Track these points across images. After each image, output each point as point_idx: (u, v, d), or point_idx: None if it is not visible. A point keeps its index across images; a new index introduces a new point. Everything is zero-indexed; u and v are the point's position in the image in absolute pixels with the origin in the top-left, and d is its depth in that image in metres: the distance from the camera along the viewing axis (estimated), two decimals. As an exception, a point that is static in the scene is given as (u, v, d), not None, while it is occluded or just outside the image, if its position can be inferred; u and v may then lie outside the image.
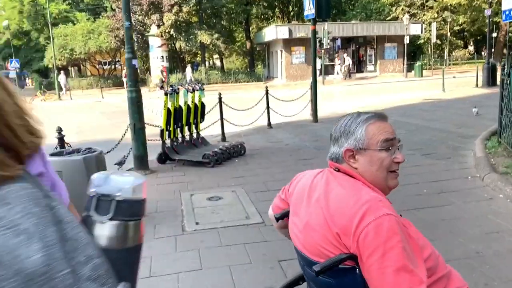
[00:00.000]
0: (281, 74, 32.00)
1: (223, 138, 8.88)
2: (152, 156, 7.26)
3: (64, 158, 4.19)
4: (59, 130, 4.78)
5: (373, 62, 32.35)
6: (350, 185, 1.57)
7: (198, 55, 38.81)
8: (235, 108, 9.91)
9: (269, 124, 10.47)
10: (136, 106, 6.47)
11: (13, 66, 30.98)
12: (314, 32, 11.21)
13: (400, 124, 9.92)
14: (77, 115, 17.40)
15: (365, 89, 22.20)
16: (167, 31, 29.59)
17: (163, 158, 7.09)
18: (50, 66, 33.86)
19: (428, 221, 4.17)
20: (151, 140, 7.25)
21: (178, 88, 7.04)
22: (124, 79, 29.73)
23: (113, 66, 37.71)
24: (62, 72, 30.16)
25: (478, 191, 4.98)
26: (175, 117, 6.98)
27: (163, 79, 26.93)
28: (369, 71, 32.17)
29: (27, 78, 52.19)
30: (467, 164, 6.12)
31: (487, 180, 5.20)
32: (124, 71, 31.05)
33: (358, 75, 31.15)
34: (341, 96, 19.18)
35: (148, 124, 6.96)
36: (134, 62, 6.45)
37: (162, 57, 30.07)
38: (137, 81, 6.59)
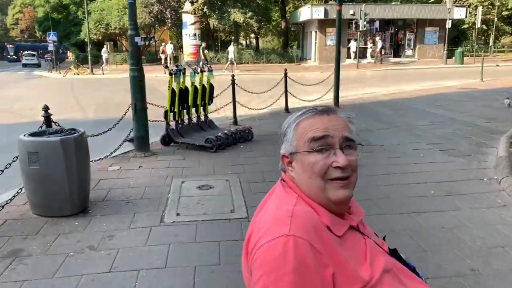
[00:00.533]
0: (314, 55, 31.25)
1: (235, 122, 8.59)
2: (157, 137, 7.09)
3: (41, 139, 4.03)
4: (46, 108, 4.61)
5: (411, 47, 31.04)
6: (279, 199, 1.27)
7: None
8: (248, 90, 9.58)
9: (286, 108, 10.08)
10: (138, 86, 6.26)
11: (51, 39, 31.63)
12: (340, 13, 10.62)
13: (425, 115, 9.33)
14: (102, 90, 17.52)
15: (399, 75, 21.28)
16: (200, 8, 29.28)
17: (167, 140, 6.89)
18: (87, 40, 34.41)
19: (426, 227, 3.76)
20: (156, 121, 7.06)
21: (184, 69, 6.78)
22: (162, 56, 29.68)
23: (147, 43, 37.81)
24: (104, 46, 30.49)
25: (492, 195, 4.49)
26: (180, 98, 6.74)
27: (203, 56, 26.56)
28: (407, 55, 30.92)
29: (68, 51, 53.57)
30: (487, 164, 5.58)
31: (504, 184, 4.68)
32: (161, 47, 31.02)
33: (395, 59, 30.01)
34: (372, 81, 18.43)
35: (150, 104, 6.75)
36: (137, 39, 6.20)
37: (195, 34, 29.80)
38: (140, 59, 6.34)
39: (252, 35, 49.45)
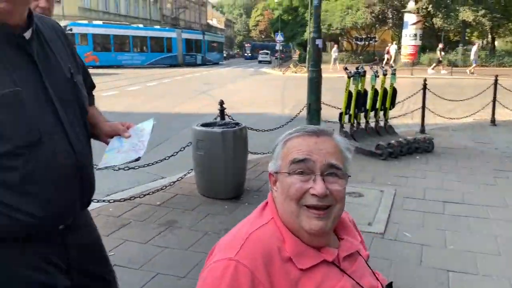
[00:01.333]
0: None
1: (422, 130, 7.96)
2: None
3: (207, 129, 4.63)
4: (221, 103, 5.24)
5: None
6: (249, 220, 1.25)
7: (467, 33, 34.85)
8: (445, 97, 8.72)
9: (493, 120, 8.79)
10: (314, 87, 6.48)
11: (278, 39, 34.89)
12: None
13: None
14: (299, 88, 18.34)
15: None
16: (424, 7, 27.68)
17: (340, 142, 6.90)
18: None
19: None
20: (331, 121, 7.15)
21: (365, 71, 6.65)
22: (386, 56, 29.11)
23: (366, 43, 37.83)
24: (335, 46, 31.88)
25: None
26: (357, 101, 6.66)
27: (440, 59, 25.13)
28: None
29: (294, 51, 58.28)
30: None
31: None
32: (387, 48, 30.40)
33: None
34: None
35: (325, 104, 6.86)
36: (318, 42, 6.39)
37: (415, 35, 28.39)
38: (320, 61, 6.52)
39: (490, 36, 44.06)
